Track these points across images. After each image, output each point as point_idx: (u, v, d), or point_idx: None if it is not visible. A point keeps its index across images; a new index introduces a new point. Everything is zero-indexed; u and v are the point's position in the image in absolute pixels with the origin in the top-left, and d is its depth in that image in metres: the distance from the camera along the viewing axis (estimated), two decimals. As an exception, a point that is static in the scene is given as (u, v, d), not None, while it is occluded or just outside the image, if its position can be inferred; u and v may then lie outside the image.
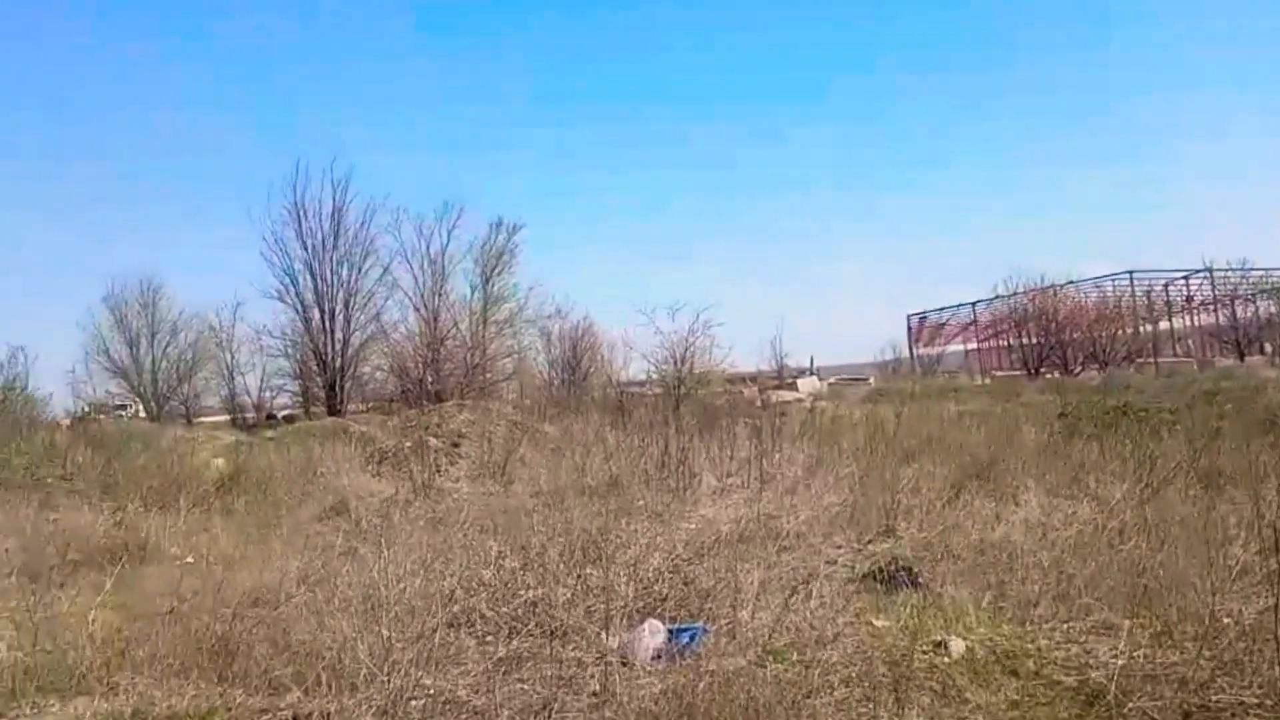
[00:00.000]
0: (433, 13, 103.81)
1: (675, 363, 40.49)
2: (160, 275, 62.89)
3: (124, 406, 56.18)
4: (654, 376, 42.87)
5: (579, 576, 10.94)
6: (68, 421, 41.15)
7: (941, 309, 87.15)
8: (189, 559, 14.82)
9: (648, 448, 21.28)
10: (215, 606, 10.45)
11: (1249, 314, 75.51)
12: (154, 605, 11.16)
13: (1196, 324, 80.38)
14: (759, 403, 38.64)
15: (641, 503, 16.37)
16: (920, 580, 11.24)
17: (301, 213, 51.28)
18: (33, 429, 31.71)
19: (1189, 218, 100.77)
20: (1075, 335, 70.70)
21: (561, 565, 11.49)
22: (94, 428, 34.78)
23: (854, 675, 8.24)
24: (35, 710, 8.79)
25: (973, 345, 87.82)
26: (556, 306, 54.99)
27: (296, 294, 51.56)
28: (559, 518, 14.53)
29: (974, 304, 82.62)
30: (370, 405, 51.92)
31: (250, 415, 56.17)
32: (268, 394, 57.33)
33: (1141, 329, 74.95)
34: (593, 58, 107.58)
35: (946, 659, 8.75)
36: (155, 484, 21.42)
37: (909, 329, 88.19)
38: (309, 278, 51.58)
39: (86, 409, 50.51)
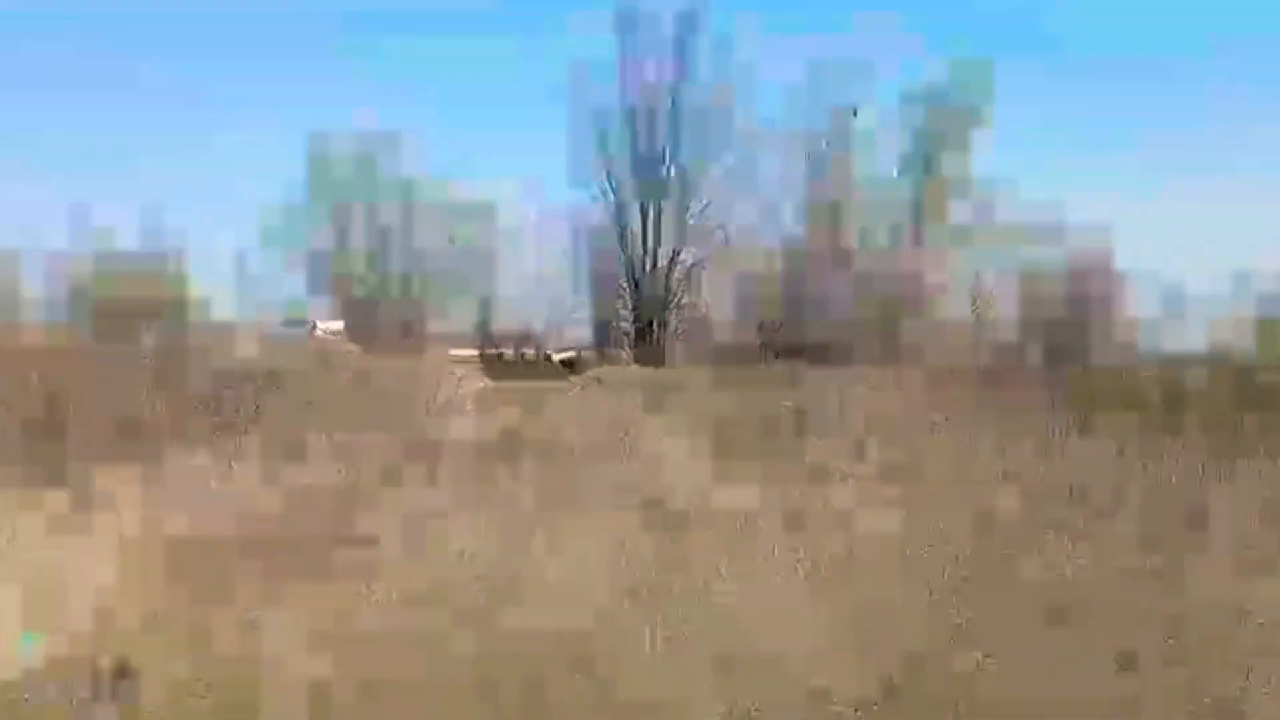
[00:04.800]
0: None
1: None
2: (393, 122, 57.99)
3: (303, 321, 48.59)
4: None
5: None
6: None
7: None
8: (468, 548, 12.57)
9: None
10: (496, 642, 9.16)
11: None
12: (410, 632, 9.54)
13: None
14: None
15: None
16: None
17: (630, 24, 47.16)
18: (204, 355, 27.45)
19: None
20: None
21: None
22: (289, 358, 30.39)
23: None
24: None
25: None
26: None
27: (607, 158, 46.99)
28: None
29: None
30: (710, 357, 43.70)
31: (507, 351, 48.31)
32: (545, 322, 50.12)
33: None
34: None
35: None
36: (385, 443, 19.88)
37: None
38: (633, 134, 46.70)
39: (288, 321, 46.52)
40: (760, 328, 42.43)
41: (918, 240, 42.64)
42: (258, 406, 23.08)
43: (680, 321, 47.97)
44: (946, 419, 23.08)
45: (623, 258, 47.90)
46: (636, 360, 44.37)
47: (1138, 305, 40.90)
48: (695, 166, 47.87)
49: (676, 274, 47.47)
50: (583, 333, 50.72)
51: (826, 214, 44.70)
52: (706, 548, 12.49)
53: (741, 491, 15.97)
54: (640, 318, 46.90)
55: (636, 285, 46.71)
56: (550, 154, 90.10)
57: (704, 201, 47.39)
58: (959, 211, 44.88)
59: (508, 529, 13.42)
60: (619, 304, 48.76)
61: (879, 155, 46.07)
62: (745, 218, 47.25)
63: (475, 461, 19.02)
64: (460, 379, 35.89)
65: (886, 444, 19.96)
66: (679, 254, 47.47)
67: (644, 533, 13.27)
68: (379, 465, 18.02)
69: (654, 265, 47.26)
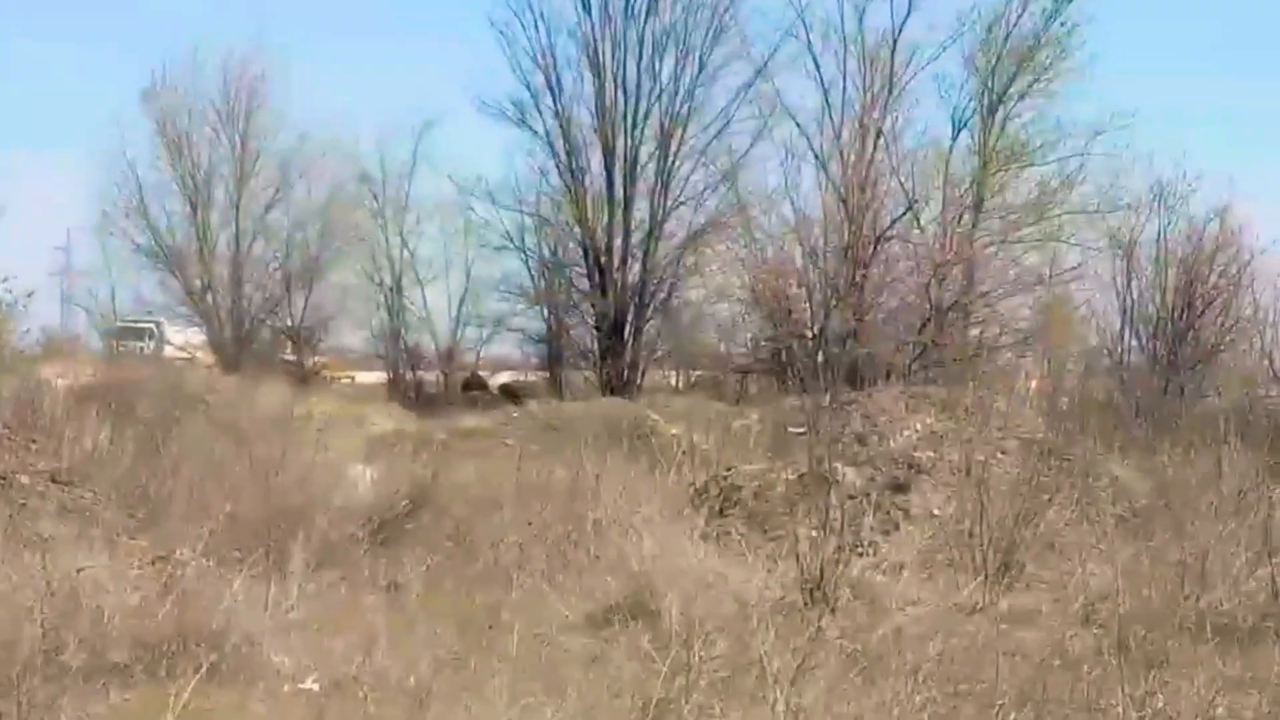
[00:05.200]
0: None
1: None
2: (261, 60, 43.28)
3: (143, 331, 40.03)
4: None
5: None
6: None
7: None
8: (312, 683, 10.37)
9: None
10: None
11: None
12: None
13: None
14: None
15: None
16: None
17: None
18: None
19: None
20: None
21: None
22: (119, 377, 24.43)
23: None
24: None
25: None
26: (1161, 183, 34.56)
27: (556, 114, 37.06)
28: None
29: None
30: (696, 376, 39.17)
31: (433, 376, 41.63)
32: (471, 335, 41.88)
33: None
34: None
35: None
36: (239, 510, 14.58)
37: None
38: (588, 77, 36.64)
39: (108, 331, 39.47)
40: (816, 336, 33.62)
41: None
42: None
43: (667, 326, 39.86)
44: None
45: (577, 231, 37.81)
46: (603, 385, 35.43)
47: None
48: (695, 76, 37.96)
49: (661, 253, 38.65)
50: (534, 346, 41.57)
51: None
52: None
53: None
54: (604, 323, 37.91)
55: (600, 272, 37.83)
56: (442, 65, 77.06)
57: (707, 143, 37.83)
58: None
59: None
60: (579, 300, 39.48)
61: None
62: (754, 178, 38.28)
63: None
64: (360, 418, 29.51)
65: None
66: (663, 219, 37.87)
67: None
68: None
69: (626, 240, 38.28)
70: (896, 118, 36.00)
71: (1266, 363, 28.34)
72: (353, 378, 42.21)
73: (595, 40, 36.89)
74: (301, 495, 15.49)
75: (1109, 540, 13.96)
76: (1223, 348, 33.55)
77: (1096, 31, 38.71)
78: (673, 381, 39.16)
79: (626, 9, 36.70)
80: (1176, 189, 34.29)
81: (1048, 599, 13.11)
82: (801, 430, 20.41)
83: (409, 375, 41.80)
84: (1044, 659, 10.44)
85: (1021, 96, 36.29)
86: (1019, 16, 35.56)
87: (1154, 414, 26.58)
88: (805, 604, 12.21)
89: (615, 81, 36.72)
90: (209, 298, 42.11)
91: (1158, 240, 34.61)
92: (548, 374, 39.39)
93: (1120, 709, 8.77)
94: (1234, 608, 11.70)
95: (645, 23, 36.82)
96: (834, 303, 32.38)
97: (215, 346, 40.59)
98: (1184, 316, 33.23)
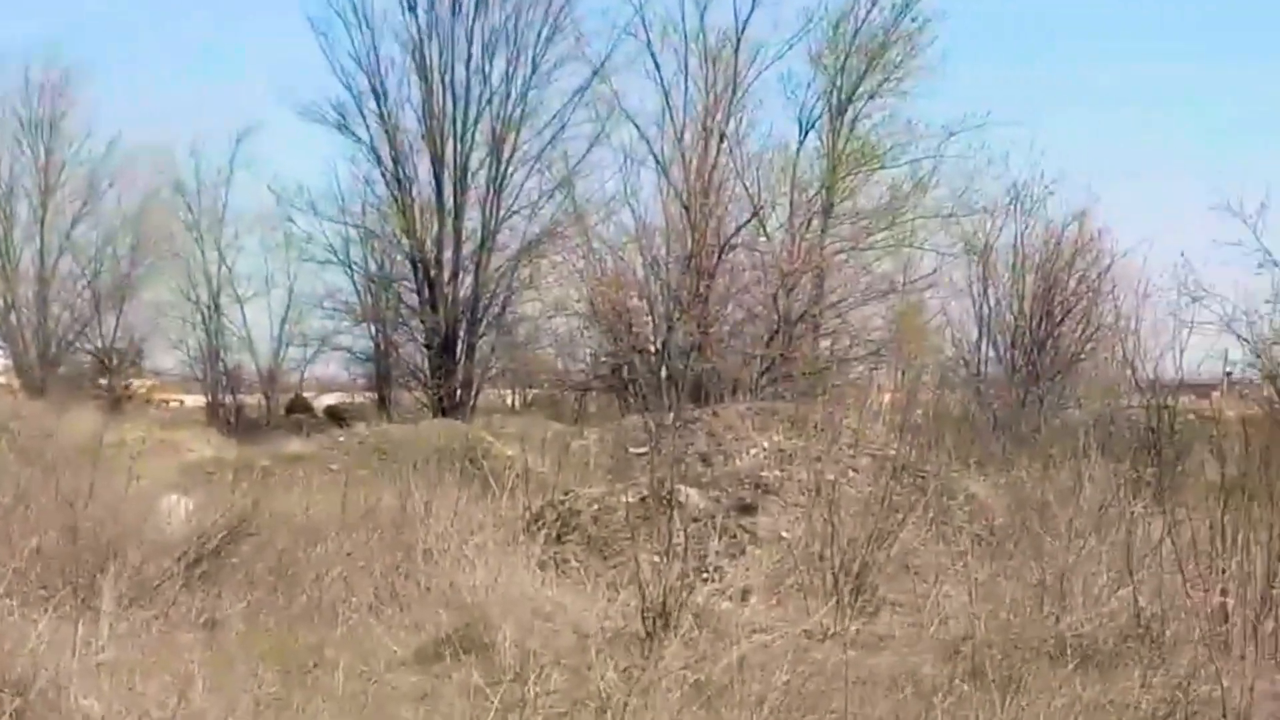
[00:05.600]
0: None
1: None
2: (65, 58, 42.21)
3: None
4: (1246, 370, 30.45)
5: None
6: None
7: None
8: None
9: (1230, 549, 12.87)
10: None
11: None
12: None
13: None
14: None
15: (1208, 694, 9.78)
16: None
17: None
18: None
19: None
20: None
21: None
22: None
23: None
24: None
25: None
26: (1017, 185, 33.77)
27: (381, 119, 36.13)
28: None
29: None
30: (534, 395, 38.32)
31: (255, 399, 40.87)
32: (294, 355, 41.36)
33: None
34: None
35: None
36: (46, 545, 13.61)
37: None
38: (414, 81, 35.68)
39: None
40: (659, 351, 32.59)
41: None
42: None
43: (501, 342, 37.56)
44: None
45: (405, 243, 36.47)
46: (435, 406, 34.55)
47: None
48: (527, 77, 37.38)
49: (495, 265, 37.67)
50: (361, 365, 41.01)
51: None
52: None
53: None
54: (435, 340, 36.81)
55: (430, 286, 36.57)
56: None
57: (542, 149, 37.13)
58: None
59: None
60: (408, 317, 38.25)
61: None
62: (595, 186, 37.45)
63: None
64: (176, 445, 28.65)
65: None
66: (496, 229, 36.84)
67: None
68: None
69: (457, 252, 36.51)
70: (741, 119, 35.49)
71: (1129, 371, 28.09)
72: (181, 401, 41.27)
73: (421, 41, 36.05)
74: (112, 528, 14.53)
75: (965, 560, 13.76)
76: (1083, 356, 33.18)
77: (949, 27, 38.51)
78: (509, 401, 38.39)
79: (453, 8, 35.93)
80: (1033, 191, 33.66)
81: (901, 623, 12.95)
82: (643, 450, 20.04)
83: (229, 398, 41.00)
84: (896, 686, 10.27)
85: (871, 96, 36.01)
86: (868, 12, 35.38)
87: (1012, 427, 26.37)
88: (647, 633, 11.57)
89: (443, 84, 35.84)
90: (12, 318, 40.59)
91: (1015, 245, 34.01)
92: (376, 395, 39.04)
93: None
94: (1095, 629, 11.52)
95: (474, 23, 36.05)
96: (677, 315, 31.37)
97: (20, 370, 39.67)
98: (1043, 325, 32.75)
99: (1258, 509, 12.35)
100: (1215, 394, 32.22)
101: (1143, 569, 12.14)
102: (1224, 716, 9.16)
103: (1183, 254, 30.07)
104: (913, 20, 34.95)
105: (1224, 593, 11.49)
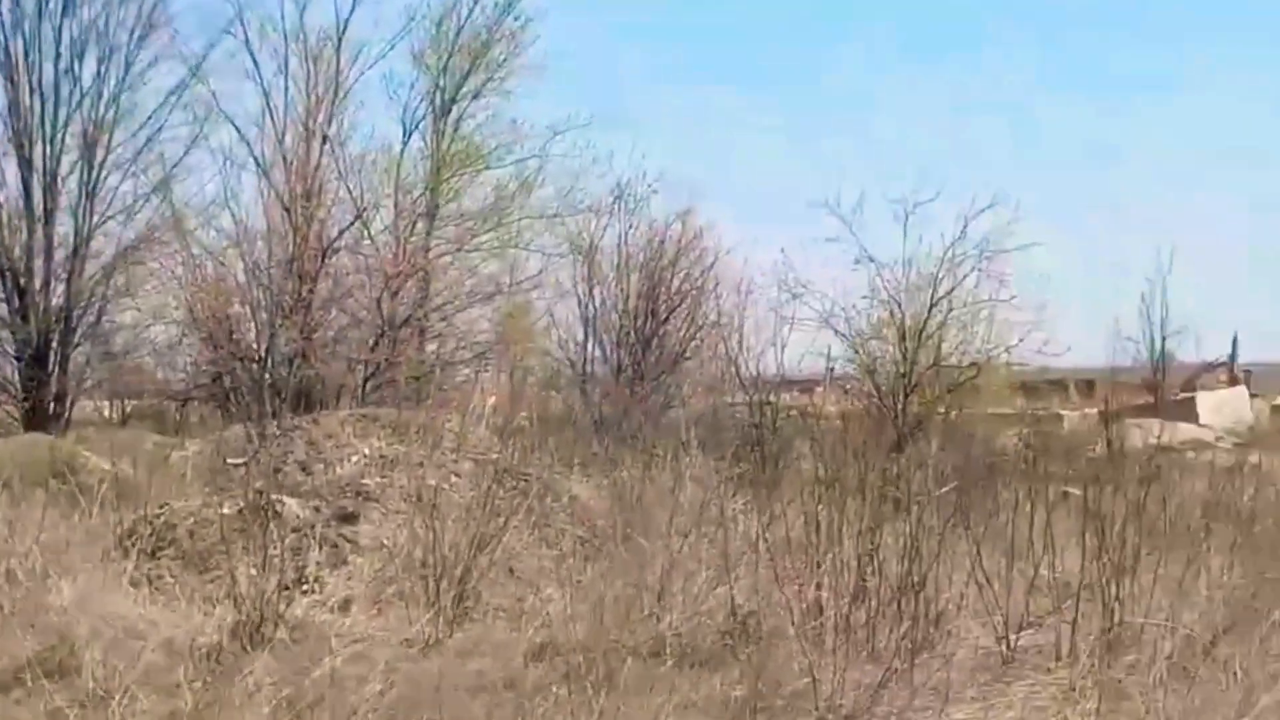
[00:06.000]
0: None
1: (902, 335, 30.57)
2: None
3: None
4: (848, 364, 32.39)
5: None
6: None
7: None
8: None
9: (826, 541, 12.92)
10: None
11: None
12: None
13: None
14: (1103, 443, 19.89)
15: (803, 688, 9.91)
16: None
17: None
18: None
19: None
20: None
21: None
22: None
23: None
24: None
25: None
26: (621, 185, 34.72)
27: None
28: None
29: None
30: (134, 406, 35.89)
31: None
32: None
33: None
34: None
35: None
36: None
37: None
38: None
39: None
40: (262, 359, 31.46)
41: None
42: None
43: (97, 352, 35.91)
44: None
45: None
46: (26, 420, 32.51)
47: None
48: (120, 78, 33.85)
49: (89, 272, 35.34)
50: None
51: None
52: None
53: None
54: (26, 351, 34.03)
55: (20, 295, 34.09)
56: None
57: (140, 149, 34.24)
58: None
59: None
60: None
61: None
62: (196, 188, 35.30)
63: None
64: None
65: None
66: (89, 235, 35.13)
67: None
68: None
69: (49, 259, 34.62)
70: (344, 121, 34.68)
71: (733, 369, 28.84)
72: None
73: (5, 39, 34.13)
74: None
75: (567, 563, 14.05)
76: (688, 355, 33.72)
77: (547, 27, 38.75)
78: (107, 413, 36.67)
79: (40, 5, 33.74)
80: (637, 191, 34.28)
81: (503, 628, 12.99)
82: (242, 461, 19.08)
83: None
84: (493, 691, 10.30)
85: (475, 96, 35.56)
86: (470, 11, 35.03)
87: (617, 427, 26.70)
88: (242, 648, 11.41)
89: (30, 85, 33.91)
90: None
91: (619, 245, 34.39)
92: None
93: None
94: (693, 628, 11.71)
95: (62, 19, 33.96)
96: (280, 322, 30.05)
97: None
98: (648, 323, 33.09)
99: (852, 502, 12.52)
100: (819, 389, 32.98)
101: (740, 566, 12.29)
102: (815, 708, 9.38)
103: (783, 251, 31.29)
104: (515, 19, 35.01)
105: (818, 586, 11.63)
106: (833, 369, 32.02)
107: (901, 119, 79.10)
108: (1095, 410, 31.38)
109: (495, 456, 17.30)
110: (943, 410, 28.55)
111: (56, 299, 33.58)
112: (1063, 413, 32.74)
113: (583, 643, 10.76)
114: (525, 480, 16.68)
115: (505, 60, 35.50)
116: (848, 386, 32.12)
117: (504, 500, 14.69)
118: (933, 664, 10.50)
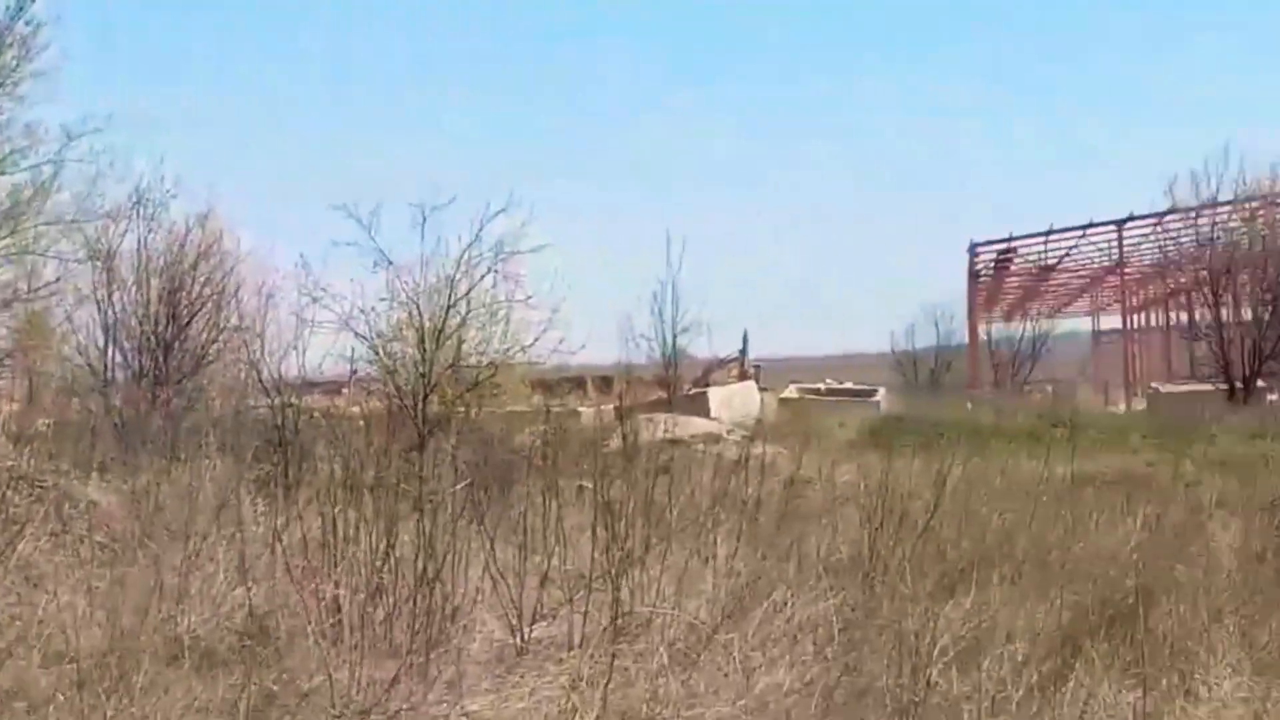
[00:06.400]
0: None
1: (421, 337, 30.67)
2: None
3: None
4: (369, 366, 32.08)
5: None
6: None
7: (1045, 234, 58.31)
8: None
9: (344, 540, 13.05)
10: None
11: None
12: None
13: None
14: (618, 438, 20.21)
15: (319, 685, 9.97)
16: None
17: None
18: None
19: None
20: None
21: None
22: None
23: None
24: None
25: (1111, 317, 62.08)
26: (140, 189, 33.32)
27: None
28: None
29: (1120, 223, 55.50)
30: None
31: None
32: None
33: None
34: None
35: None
36: None
37: (971, 275, 60.63)
38: None
39: None
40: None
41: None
42: None
43: None
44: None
45: None
46: None
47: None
48: None
49: None
50: None
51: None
52: None
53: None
54: None
55: None
56: None
57: None
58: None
59: None
60: None
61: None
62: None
63: None
64: None
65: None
66: None
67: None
68: None
69: None
70: None
71: (254, 372, 28.82)
72: None
73: None
74: None
75: (85, 569, 13.58)
76: (212, 359, 33.42)
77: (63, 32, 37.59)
78: None
79: None
80: (156, 195, 33.32)
81: (15, 637, 12.03)
82: None
83: None
84: (4, 702, 10.09)
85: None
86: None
87: (138, 432, 26.42)
88: None
89: None
90: None
91: (139, 249, 33.47)
92: None
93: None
94: (211, 631, 11.64)
95: None
96: None
97: None
98: (169, 328, 32.47)
99: (370, 501, 12.77)
100: (345, 390, 33.40)
101: (258, 567, 12.34)
102: (332, 704, 9.47)
103: (302, 255, 31.48)
104: (26, 24, 34.19)
105: (336, 585, 11.61)
106: (355, 371, 32.25)
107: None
108: (612, 406, 32.39)
109: (10, 464, 17.07)
110: (463, 409, 29.06)
111: None
112: (581, 409, 33.69)
113: (98, 648, 10.52)
114: (42, 487, 16.41)
115: (18, 65, 34.38)
116: (370, 388, 32.45)
117: (20, 507, 14.61)
118: (448, 658, 10.64)
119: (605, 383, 41.50)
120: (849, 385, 45.89)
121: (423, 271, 31.81)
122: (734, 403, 36.80)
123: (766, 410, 36.89)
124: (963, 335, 57.79)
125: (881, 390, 44.63)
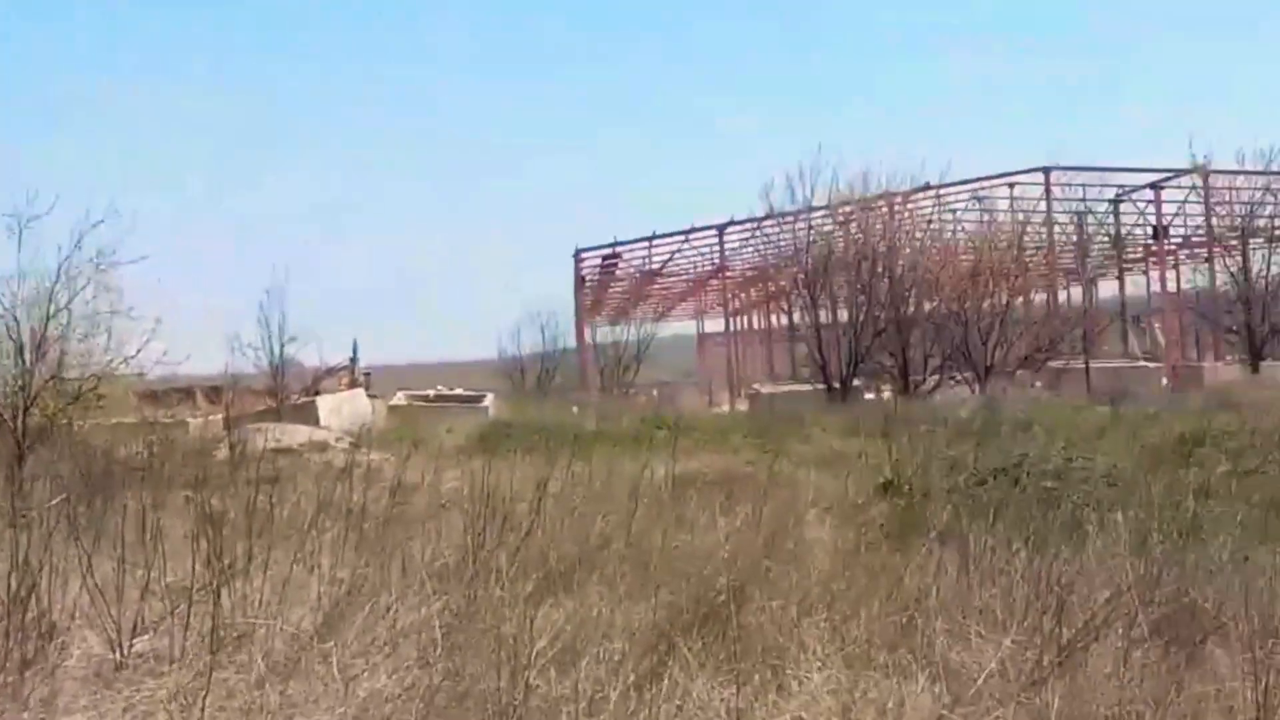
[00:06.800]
0: None
1: (19, 348, 28.09)
2: None
3: None
4: None
5: None
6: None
7: (649, 239, 61.21)
8: None
9: None
10: None
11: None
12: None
13: (1173, 285, 61.11)
14: (226, 448, 22.04)
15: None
16: None
17: None
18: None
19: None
20: (934, 304, 48.97)
21: None
22: None
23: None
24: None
25: (715, 320, 64.75)
26: None
27: None
28: None
29: (721, 228, 58.18)
30: None
31: None
32: None
33: (1065, 293, 58.20)
34: None
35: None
36: None
37: (577, 282, 61.46)
38: None
39: None
40: None
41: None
42: None
43: None
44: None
45: None
46: None
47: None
48: None
49: None
50: None
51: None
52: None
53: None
54: None
55: None
56: None
57: None
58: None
59: None
60: None
61: None
62: None
63: None
64: None
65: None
66: None
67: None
68: None
69: None
70: None
71: None
72: None
73: None
74: None
75: None
76: None
77: None
78: None
79: None
80: None
81: None
82: None
83: None
84: None
85: None
86: None
87: None
88: None
89: None
90: None
91: None
92: None
93: None
94: None
95: None
96: None
97: None
98: None
99: None
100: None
101: None
102: None
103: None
104: None
105: None
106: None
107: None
108: (220, 416, 32.39)
109: None
110: (66, 421, 28.69)
111: None
112: (189, 419, 33.46)
113: None
114: None
115: None
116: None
117: None
118: (44, 675, 10.26)
119: (215, 393, 40.79)
120: (459, 391, 46.19)
121: (20, 282, 31.22)
122: (343, 410, 36.39)
123: (376, 417, 36.74)
124: (570, 340, 58.22)
125: (490, 396, 44.13)
